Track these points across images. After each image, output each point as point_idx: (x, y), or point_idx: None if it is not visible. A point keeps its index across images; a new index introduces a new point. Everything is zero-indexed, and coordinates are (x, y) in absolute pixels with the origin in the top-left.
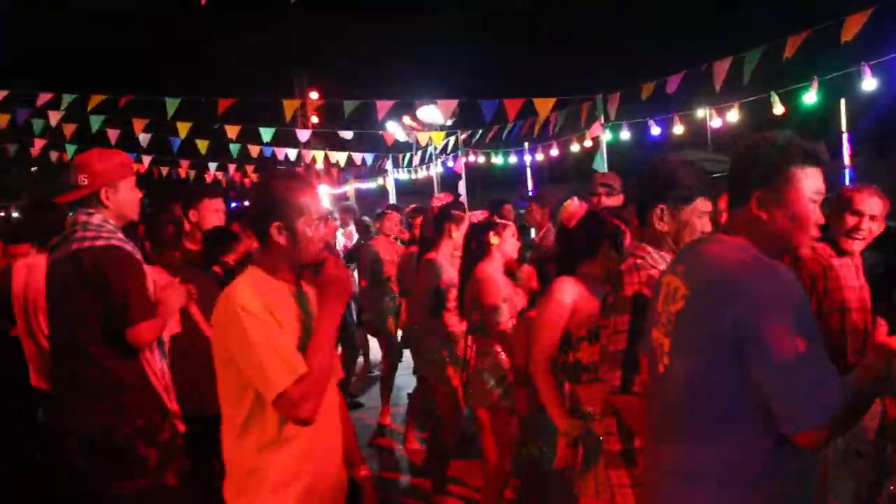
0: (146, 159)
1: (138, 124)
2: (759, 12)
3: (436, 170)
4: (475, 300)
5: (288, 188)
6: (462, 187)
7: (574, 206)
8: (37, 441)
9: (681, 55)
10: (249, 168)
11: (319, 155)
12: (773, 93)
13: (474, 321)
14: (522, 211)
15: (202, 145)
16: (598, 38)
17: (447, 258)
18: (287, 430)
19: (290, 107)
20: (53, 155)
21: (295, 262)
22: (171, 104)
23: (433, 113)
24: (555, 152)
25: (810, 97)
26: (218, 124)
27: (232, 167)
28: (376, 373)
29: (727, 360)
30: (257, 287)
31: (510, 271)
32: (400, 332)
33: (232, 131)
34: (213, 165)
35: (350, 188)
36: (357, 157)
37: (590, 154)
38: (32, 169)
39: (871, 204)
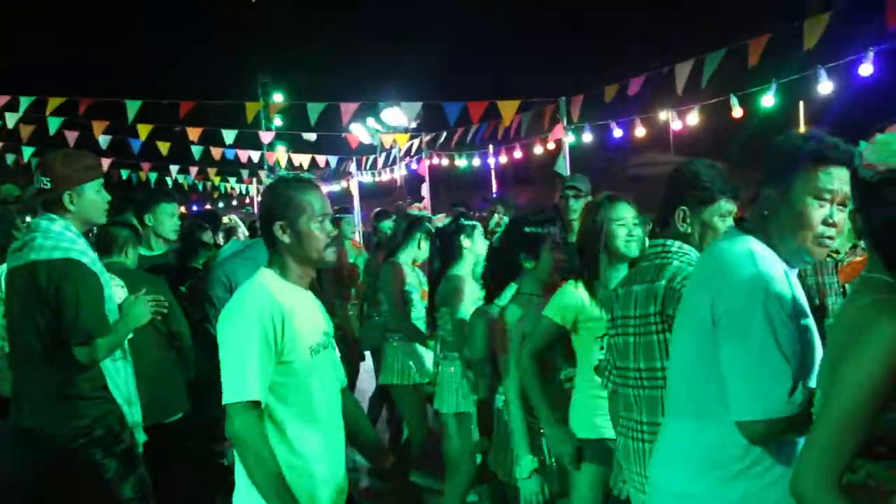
0: (106, 162)
1: (98, 126)
2: (720, 15)
3: (400, 172)
4: (445, 303)
5: (288, 188)
6: (426, 189)
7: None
8: None
9: (643, 58)
10: (212, 171)
11: (283, 157)
12: (732, 95)
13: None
14: (485, 213)
15: (164, 147)
16: (562, 41)
17: (409, 263)
18: None
19: (252, 109)
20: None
21: (303, 260)
22: (132, 107)
23: (397, 115)
24: (518, 155)
25: (768, 100)
26: (179, 127)
27: (194, 170)
28: None
29: (706, 345)
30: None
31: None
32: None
33: (194, 133)
34: (174, 168)
35: None
36: (321, 159)
37: (553, 156)
38: None
39: None
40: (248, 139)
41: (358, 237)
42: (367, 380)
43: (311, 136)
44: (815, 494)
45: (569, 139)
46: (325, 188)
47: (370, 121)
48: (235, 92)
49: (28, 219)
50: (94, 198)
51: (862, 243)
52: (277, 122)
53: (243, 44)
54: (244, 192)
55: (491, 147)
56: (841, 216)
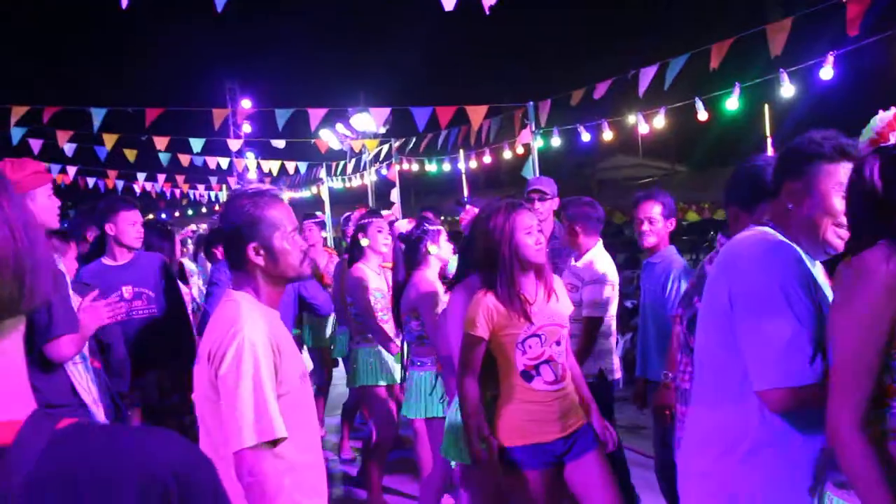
0: (71, 170)
1: (63, 135)
2: (684, 19)
3: (370, 178)
4: (414, 309)
5: (256, 205)
6: (396, 195)
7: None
8: None
9: (609, 62)
10: (180, 178)
11: (252, 164)
12: (697, 99)
13: (412, 329)
14: (458, 217)
15: (130, 155)
16: (529, 46)
17: (375, 267)
18: None
19: (219, 115)
20: None
21: (277, 280)
22: (98, 115)
23: (366, 121)
24: (488, 159)
25: (732, 103)
26: (146, 135)
27: (162, 177)
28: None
29: (725, 331)
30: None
31: (444, 276)
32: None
33: (161, 142)
34: (141, 176)
35: (284, 197)
36: (290, 165)
37: (523, 160)
38: None
39: None
40: (217, 146)
41: (329, 242)
42: (340, 386)
43: (280, 143)
44: (845, 431)
45: (537, 143)
46: (296, 194)
47: (339, 126)
48: (203, 98)
49: None
50: (45, 203)
51: None
52: (246, 128)
53: (211, 50)
54: (213, 200)
55: (462, 152)
56: None
